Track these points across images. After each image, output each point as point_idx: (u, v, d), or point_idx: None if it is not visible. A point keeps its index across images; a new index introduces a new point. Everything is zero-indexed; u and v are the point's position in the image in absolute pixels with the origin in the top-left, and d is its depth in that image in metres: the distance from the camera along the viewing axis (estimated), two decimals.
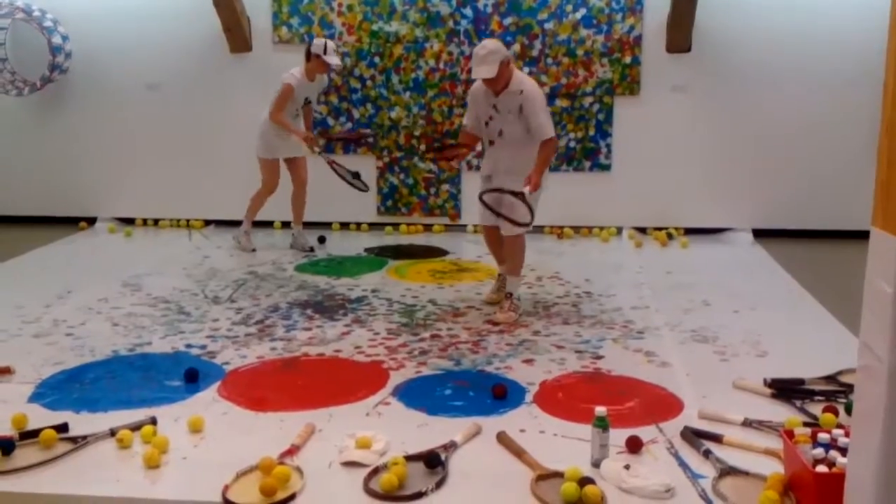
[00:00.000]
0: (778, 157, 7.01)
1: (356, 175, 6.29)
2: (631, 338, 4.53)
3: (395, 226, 7.42)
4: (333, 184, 6.87)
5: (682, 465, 3.03)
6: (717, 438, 3.19)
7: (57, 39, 7.19)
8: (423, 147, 7.21)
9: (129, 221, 7.70)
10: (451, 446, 3.14)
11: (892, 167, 1.89)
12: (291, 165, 6.53)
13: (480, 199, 4.87)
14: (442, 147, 5.67)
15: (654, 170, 7.14)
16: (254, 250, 6.56)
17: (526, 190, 4.59)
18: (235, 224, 6.85)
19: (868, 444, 1.98)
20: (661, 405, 3.60)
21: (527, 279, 5.72)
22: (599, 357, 4.22)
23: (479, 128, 4.91)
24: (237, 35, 7.13)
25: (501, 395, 3.66)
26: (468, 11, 7.06)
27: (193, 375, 3.87)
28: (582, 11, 6.97)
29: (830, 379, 3.79)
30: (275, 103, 6.16)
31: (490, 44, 4.63)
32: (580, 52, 7.02)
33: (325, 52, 6.08)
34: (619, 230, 7.23)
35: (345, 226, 7.48)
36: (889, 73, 1.91)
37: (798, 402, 3.55)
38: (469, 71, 6.90)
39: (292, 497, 2.81)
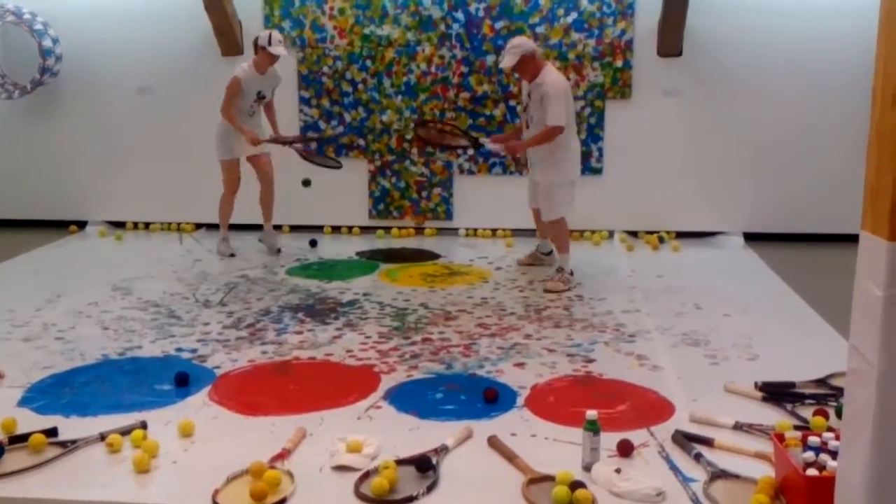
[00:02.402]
0: (769, 161, 7.03)
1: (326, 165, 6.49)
2: (622, 341, 4.53)
3: (387, 229, 7.42)
4: (325, 187, 6.88)
5: (673, 468, 3.03)
6: (707, 442, 3.19)
7: (47, 42, 7.17)
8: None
9: (119, 225, 7.67)
10: (442, 450, 3.13)
11: (880, 171, 1.90)
12: (255, 163, 6.44)
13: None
14: (428, 123, 6.64)
15: (645, 174, 7.15)
16: (232, 255, 6.48)
17: (494, 147, 5.74)
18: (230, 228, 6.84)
19: (858, 447, 1.99)
20: (653, 409, 3.60)
21: (517, 283, 5.74)
22: (591, 360, 4.22)
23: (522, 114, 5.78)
24: (228, 38, 7.12)
25: (493, 398, 3.66)
26: (460, 15, 7.07)
27: (184, 379, 3.86)
28: (573, 15, 6.99)
29: (821, 382, 3.80)
30: (224, 99, 6.12)
31: (516, 40, 5.53)
32: (571, 55, 7.03)
33: (270, 44, 6.04)
34: (611, 234, 7.24)
35: (336, 229, 7.48)
36: (878, 78, 1.92)
37: (789, 406, 3.56)
38: (460, 74, 7.03)
39: (283, 501, 2.80)
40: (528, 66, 5.40)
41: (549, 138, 5.38)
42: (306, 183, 6.26)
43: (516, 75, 5.90)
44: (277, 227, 6.94)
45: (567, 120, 5.39)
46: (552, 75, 5.41)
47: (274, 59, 6.15)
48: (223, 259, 6.47)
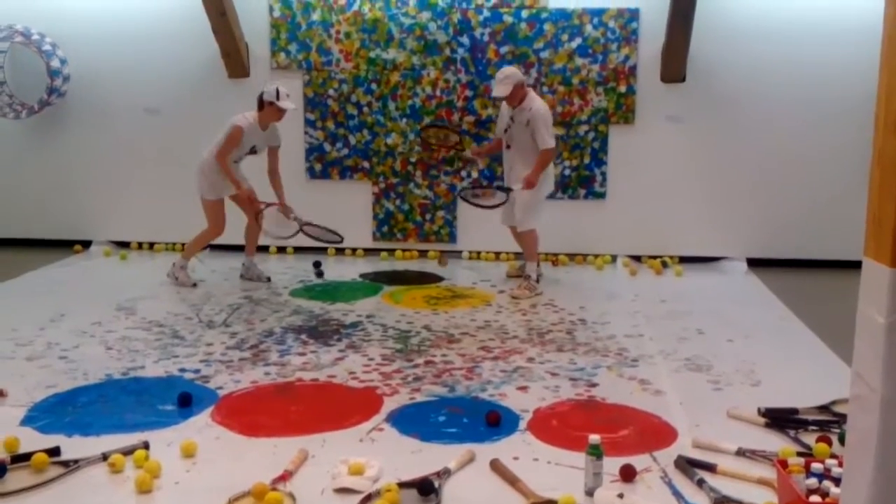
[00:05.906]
0: (772, 186, 7.05)
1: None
2: (625, 366, 4.53)
3: (391, 251, 7.43)
4: (330, 210, 6.91)
5: (676, 494, 3.02)
6: (710, 467, 3.18)
7: (55, 63, 7.23)
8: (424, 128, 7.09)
9: (124, 245, 7.70)
10: (444, 473, 3.13)
11: (883, 197, 1.91)
12: (239, 199, 6.26)
13: (461, 196, 6.53)
14: (436, 126, 6.97)
15: (648, 198, 7.17)
16: (195, 285, 6.28)
17: (517, 187, 5.99)
18: (231, 248, 6.85)
19: (861, 474, 1.98)
20: (655, 434, 3.60)
21: (521, 306, 5.74)
22: (593, 385, 4.22)
23: (501, 135, 6.19)
24: (235, 60, 7.18)
25: (495, 422, 3.65)
26: (465, 40, 7.12)
27: (187, 400, 3.86)
28: (577, 41, 7.04)
29: (824, 409, 3.79)
30: (222, 145, 5.93)
31: (507, 70, 5.94)
32: (575, 80, 7.07)
33: (277, 98, 5.89)
34: (614, 258, 7.25)
35: (340, 251, 7.49)
36: (880, 104, 1.93)
37: (792, 432, 3.55)
38: (465, 98, 7.06)
39: None
40: (517, 94, 5.88)
41: (549, 161, 6.04)
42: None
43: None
44: (282, 250, 6.93)
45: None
46: (537, 102, 5.96)
47: (282, 114, 5.99)
48: (238, 278, 6.47)
